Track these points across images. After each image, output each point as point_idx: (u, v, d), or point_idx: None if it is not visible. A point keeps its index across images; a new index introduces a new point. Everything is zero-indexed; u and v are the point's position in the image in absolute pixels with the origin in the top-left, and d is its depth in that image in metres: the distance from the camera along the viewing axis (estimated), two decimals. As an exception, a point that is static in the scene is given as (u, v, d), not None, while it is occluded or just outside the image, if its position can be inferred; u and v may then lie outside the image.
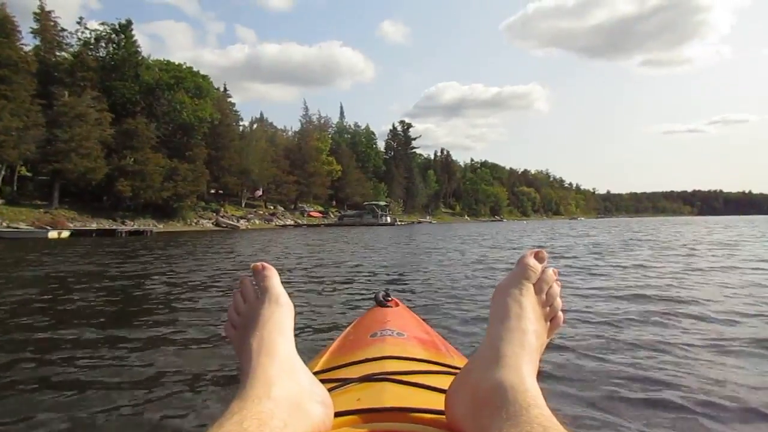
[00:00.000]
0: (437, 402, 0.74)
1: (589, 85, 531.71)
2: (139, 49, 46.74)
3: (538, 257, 0.76)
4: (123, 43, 45.35)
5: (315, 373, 0.77)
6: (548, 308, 0.75)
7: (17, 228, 29.18)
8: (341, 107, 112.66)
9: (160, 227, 41.58)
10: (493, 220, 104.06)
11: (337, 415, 0.70)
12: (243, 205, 59.67)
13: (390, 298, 1.63)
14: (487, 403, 0.61)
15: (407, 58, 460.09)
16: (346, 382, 0.87)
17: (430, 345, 1.21)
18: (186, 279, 7.57)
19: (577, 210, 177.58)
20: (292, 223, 58.05)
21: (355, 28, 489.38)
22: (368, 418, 0.71)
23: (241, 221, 50.76)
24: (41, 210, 36.04)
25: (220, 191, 57.13)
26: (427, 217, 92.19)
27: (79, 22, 44.39)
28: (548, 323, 0.75)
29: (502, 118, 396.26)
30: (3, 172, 36.28)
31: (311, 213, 68.11)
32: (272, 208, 63.99)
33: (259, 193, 61.99)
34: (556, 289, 0.76)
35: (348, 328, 1.45)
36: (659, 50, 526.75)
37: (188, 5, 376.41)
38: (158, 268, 9.54)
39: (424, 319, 1.64)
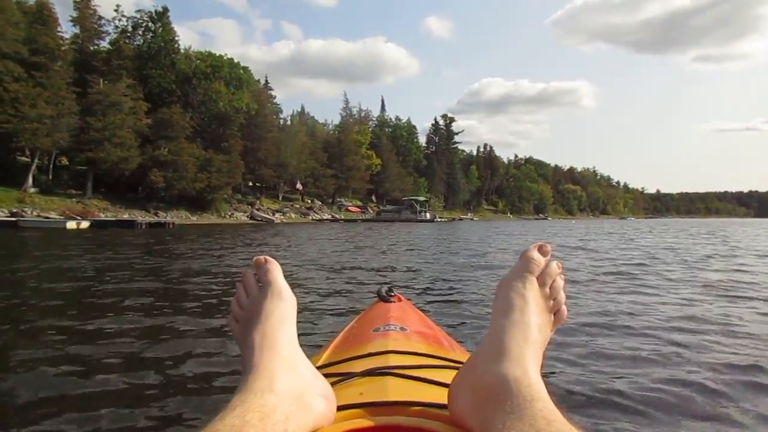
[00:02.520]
0: (440, 396, 0.74)
1: (638, 81, 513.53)
2: (176, 38, 45.88)
3: (542, 251, 0.75)
4: (159, 31, 44.56)
5: (318, 367, 0.76)
6: (552, 301, 0.74)
7: (45, 217, 28.50)
8: (382, 100, 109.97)
9: (194, 219, 40.71)
10: (537, 218, 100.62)
11: (340, 408, 0.71)
12: (280, 198, 58.56)
13: (393, 294, 1.63)
14: (491, 396, 0.61)
15: (451, 53, 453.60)
16: (348, 376, 0.88)
17: (432, 340, 1.20)
18: (170, 275, 6.96)
19: (626, 209, 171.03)
20: (328, 217, 56.61)
21: (400, 23, 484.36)
22: (371, 412, 0.71)
23: (276, 215, 49.53)
24: (74, 200, 35.51)
25: (258, 184, 56.14)
26: (469, 214, 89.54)
27: (116, 10, 43.72)
28: (552, 316, 0.74)
29: (547, 114, 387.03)
30: (37, 161, 35.92)
31: (349, 208, 66.59)
32: (309, 202, 62.74)
33: (300, 186, 60.83)
34: (560, 282, 0.76)
35: (351, 323, 1.43)
36: (714, 45, 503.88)
37: (236, 2, 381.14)
38: (145, 263, 8.02)
39: (426, 315, 1.63)
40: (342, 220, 55.89)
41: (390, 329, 1.19)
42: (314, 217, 54.53)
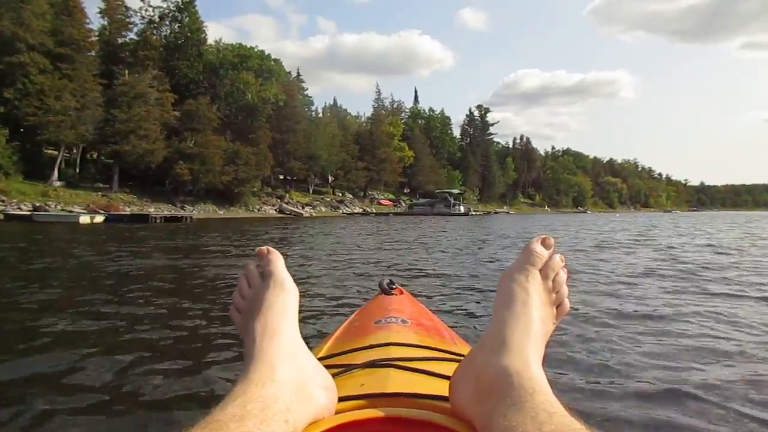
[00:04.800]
0: (441, 388, 0.75)
1: (680, 70, 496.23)
2: (204, 27, 44.97)
3: (545, 243, 0.75)
4: (186, 21, 43.68)
5: (319, 359, 0.77)
6: (554, 295, 0.74)
7: (69, 211, 27.83)
8: (415, 91, 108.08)
9: (221, 213, 39.80)
10: (576, 212, 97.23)
11: (341, 400, 0.71)
12: (311, 191, 57.40)
13: (395, 286, 1.63)
14: (492, 388, 0.61)
15: (486, 45, 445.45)
16: (350, 367, 0.88)
17: (434, 332, 1.21)
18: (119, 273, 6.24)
19: (668, 202, 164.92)
20: (360, 211, 55.18)
21: (434, 16, 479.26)
22: (372, 403, 0.71)
23: (306, 208, 48.33)
24: (99, 193, 34.94)
25: (288, 177, 55.10)
26: (505, 207, 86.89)
27: (143, 0, 42.98)
28: (554, 309, 0.74)
29: (585, 106, 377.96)
30: (64, 154, 35.49)
31: (381, 201, 65.03)
32: (340, 195, 61.46)
33: (332, 179, 59.59)
34: (563, 275, 0.75)
35: (352, 315, 1.44)
36: (762, 32, 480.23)
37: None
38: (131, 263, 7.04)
39: (428, 307, 1.63)
40: (373, 213, 54.42)
41: (391, 321, 1.19)
42: (345, 211, 53.18)
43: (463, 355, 0.85)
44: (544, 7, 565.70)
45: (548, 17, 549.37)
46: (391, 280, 1.65)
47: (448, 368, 0.79)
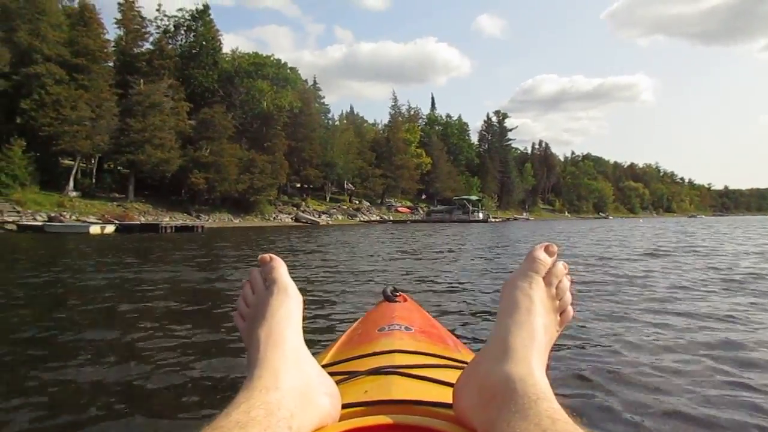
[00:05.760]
0: (445, 395, 0.75)
1: (701, 73, 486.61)
2: (219, 35, 44.92)
3: (548, 251, 0.75)
4: (201, 30, 43.65)
5: (323, 366, 0.76)
6: (558, 302, 0.74)
7: (83, 221, 27.66)
8: (432, 98, 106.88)
9: (236, 222, 39.49)
10: (597, 217, 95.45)
11: (345, 406, 0.71)
12: (327, 199, 56.95)
13: (398, 293, 1.63)
14: (496, 395, 0.61)
15: (503, 51, 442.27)
16: (353, 374, 0.88)
17: (437, 339, 1.21)
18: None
19: (692, 207, 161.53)
20: (377, 218, 54.56)
21: (451, 23, 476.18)
22: (376, 410, 0.71)
23: (322, 216, 47.85)
24: (115, 203, 34.84)
25: (304, 185, 54.74)
26: (524, 214, 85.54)
27: (158, 10, 43.09)
28: (558, 317, 0.74)
29: (604, 110, 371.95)
30: (80, 164, 35.49)
31: (399, 208, 64.31)
32: (357, 202, 60.92)
33: (350, 186, 59.09)
34: (567, 282, 0.75)
35: (356, 323, 1.45)
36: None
37: (289, 9, 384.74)
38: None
39: (431, 314, 1.62)
40: (390, 221, 53.76)
41: (395, 329, 1.18)
42: (362, 219, 52.60)
43: (466, 363, 0.83)
44: (561, 12, 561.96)
45: (565, 22, 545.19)
46: (394, 288, 1.64)
47: (452, 375, 0.80)
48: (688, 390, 2.29)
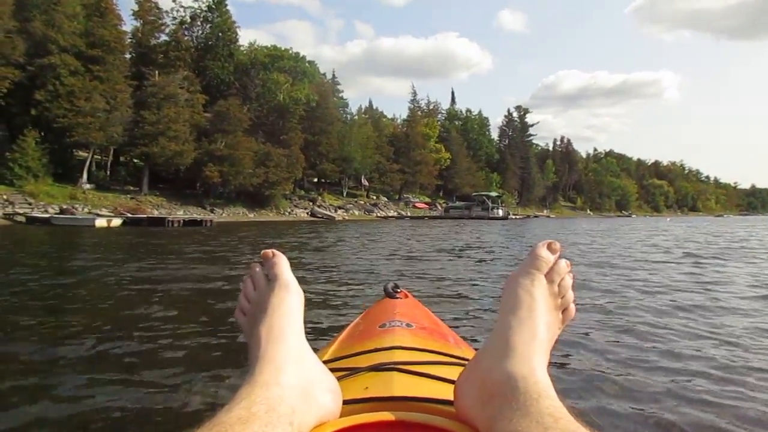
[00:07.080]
0: (446, 392, 0.75)
1: (728, 69, 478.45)
2: (236, 27, 44.31)
3: (551, 248, 0.74)
4: (217, 21, 43.10)
5: (324, 362, 0.78)
6: (560, 299, 0.74)
7: (95, 214, 27.25)
8: (452, 92, 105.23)
9: (251, 216, 38.93)
10: (620, 215, 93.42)
11: (346, 403, 0.71)
12: (344, 194, 56.21)
13: (399, 290, 1.62)
14: (497, 393, 0.61)
15: (525, 47, 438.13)
16: (354, 371, 0.88)
17: (438, 336, 1.21)
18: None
19: (717, 206, 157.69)
20: (394, 214, 53.70)
21: (472, 18, 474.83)
22: (376, 407, 0.71)
23: (338, 212, 47.12)
24: (128, 196, 34.47)
25: (321, 179, 54.05)
26: (545, 211, 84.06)
27: (174, 1, 42.59)
28: (560, 315, 0.74)
29: (627, 107, 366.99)
30: (94, 157, 35.18)
31: (416, 204, 63.31)
32: (375, 198, 60.09)
33: (366, 182, 58.27)
34: (569, 280, 0.75)
35: (357, 319, 1.44)
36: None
37: (310, 4, 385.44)
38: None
39: (433, 311, 1.61)
40: (408, 216, 52.86)
41: (396, 325, 1.18)
42: (379, 214, 51.78)
43: (467, 360, 0.83)
44: (584, 7, 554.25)
45: (588, 17, 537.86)
46: (395, 284, 1.62)
47: (453, 372, 0.80)
48: (694, 391, 2.28)
